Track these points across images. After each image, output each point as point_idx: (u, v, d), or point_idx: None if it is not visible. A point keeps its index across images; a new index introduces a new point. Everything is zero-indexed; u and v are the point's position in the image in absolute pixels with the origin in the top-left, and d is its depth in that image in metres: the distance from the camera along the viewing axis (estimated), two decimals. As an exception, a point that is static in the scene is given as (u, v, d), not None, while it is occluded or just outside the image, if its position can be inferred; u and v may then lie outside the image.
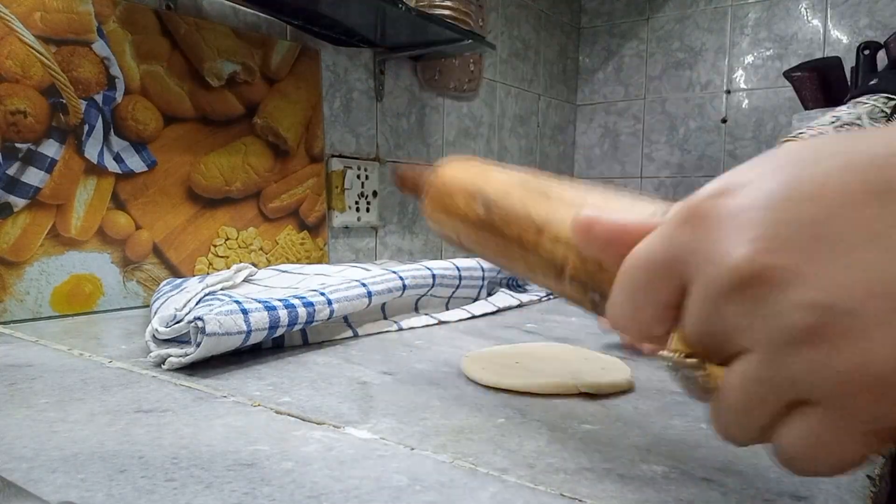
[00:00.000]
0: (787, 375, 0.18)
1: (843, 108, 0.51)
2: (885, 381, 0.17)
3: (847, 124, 0.48)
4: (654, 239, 0.22)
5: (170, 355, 0.45)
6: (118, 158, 0.72)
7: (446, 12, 1.00)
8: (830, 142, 0.20)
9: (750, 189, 0.20)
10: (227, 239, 0.83)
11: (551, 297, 0.87)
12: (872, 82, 0.54)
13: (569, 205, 0.30)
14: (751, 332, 0.19)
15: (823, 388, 0.18)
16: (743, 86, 1.52)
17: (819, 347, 0.17)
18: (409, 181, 0.41)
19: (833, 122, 0.50)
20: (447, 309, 0.71)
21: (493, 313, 0.73)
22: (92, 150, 0.70)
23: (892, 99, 0.51)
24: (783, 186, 0.19)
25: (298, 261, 0.93)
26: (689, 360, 0.21)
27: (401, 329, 0.62)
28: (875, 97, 0.51)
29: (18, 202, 0.64)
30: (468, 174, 0.37)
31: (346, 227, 1.05)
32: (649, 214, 0.24)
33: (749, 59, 1.51)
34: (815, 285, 0.18)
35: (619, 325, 0.24)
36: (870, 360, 0.17)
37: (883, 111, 0.50)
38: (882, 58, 1.09)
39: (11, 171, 0.64)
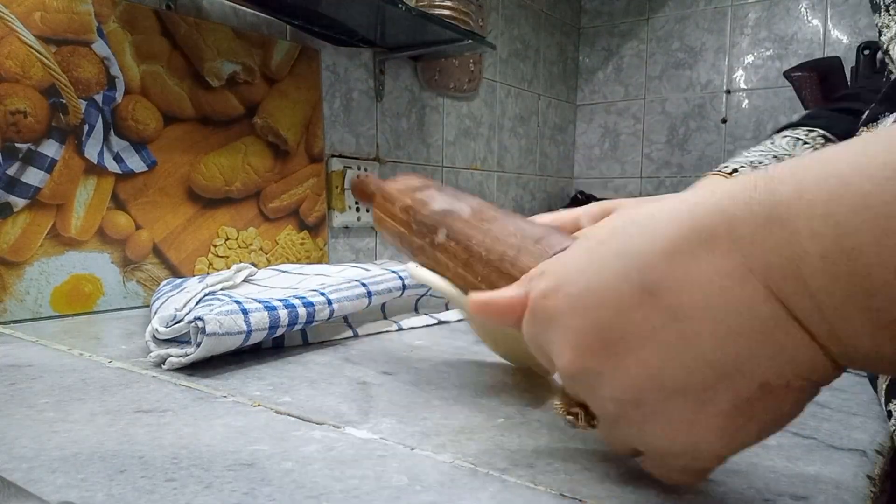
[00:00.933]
0: (619, 439, 0.26)
1: (768, 143, 0.52)
2: (668, 452, 0.24)
3: (761, 162, 0.49)
4: (523, 327, 0.28)
5: (170, 355, 0.45)
6: (118, 158, 0.72)
7: (446, 12, 1.00)
8: (619, 237, 0.24)
9: (562, 293, 0.25)
10: (227, 239, 0.83)
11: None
12: (805, 114, 0.56)
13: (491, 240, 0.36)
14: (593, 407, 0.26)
15: (641, 448, 0.25)
16: (743, 86, 1.52)
17: (628, 426, 0.24)
18: (359, 189, 0.47)
19: (761, 154, 0.50)
20: (447, 309, 0.71)
21: (493, 313, 0.73)
22: (92, 150, 0.70)
23: (814, 130, 0.52)
24: (583, 293, 0.24)
25: (298, 261, 0.93)
26: (567, 416, 0.28)
27: (401, 329, 0.62)
28: (797, 130, 0.53)
29: (18, 202, 0.64)
30: (408, 188, 0.43)
31: (346, 227, 1.05)
32: (526, 281, 0.29)
33: (749, 59, 1.51)
34: (611, 384, 0.23)
35: None
36: (655, 438, 0.24)
37: (805, 142, 0.51)
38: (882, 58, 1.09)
39: (11, 171, 0.64)
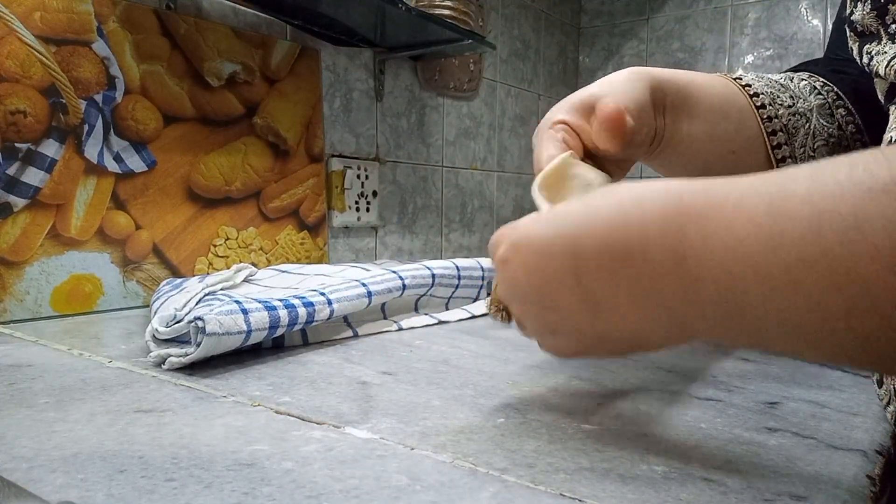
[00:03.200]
0: (530, 335, 0.35)
1: (789, 81, 0.52)
2: (562, 352, 0.34)
3: (775, 95, 0.50)
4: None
5: (170, 355, 0.45)
6: (118, 158, 0.72)
7: (446, 12, 1.00)
8: (571, 220, 0.29)
9: (518, 263, 0.31)
10: (227, 239, 0.83)
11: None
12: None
13: None
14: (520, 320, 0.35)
15: (543, 345, 0.34)
16: (743, 86, 1.51)
17: (540, 336, 0.34)
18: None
19: (780, 88, 0.51)
20: (447, 309, 0.71)
21: (493, 313, 0.73)
22: (92, 150, 0.70)
23: (828, 85, 0.52)
24: (531, 258, 0.30)
25: (298, 261, 0.93)
26: (496, 314, 0.38)
27: (401, 329, 0.62)
28: (815, 77, 0.53)
29: (18, 202, 0.64)
30: None
31: (346, 227, 1.05)
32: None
33: (749, 59, 1.51)
34: (539, 319, 0.33)
35: None
36: (558, 347, 0.34)
37: (820, 93, 0.51)
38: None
39: (11, 171, 0.64)
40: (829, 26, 1.41)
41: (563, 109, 0.43)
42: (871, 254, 0.21)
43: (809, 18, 1.43)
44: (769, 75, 0.52)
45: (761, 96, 0.49)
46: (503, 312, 0.37)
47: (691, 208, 0.26)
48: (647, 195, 0.27)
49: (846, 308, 0.22)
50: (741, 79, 0.50)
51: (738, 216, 0.24)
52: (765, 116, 0.48)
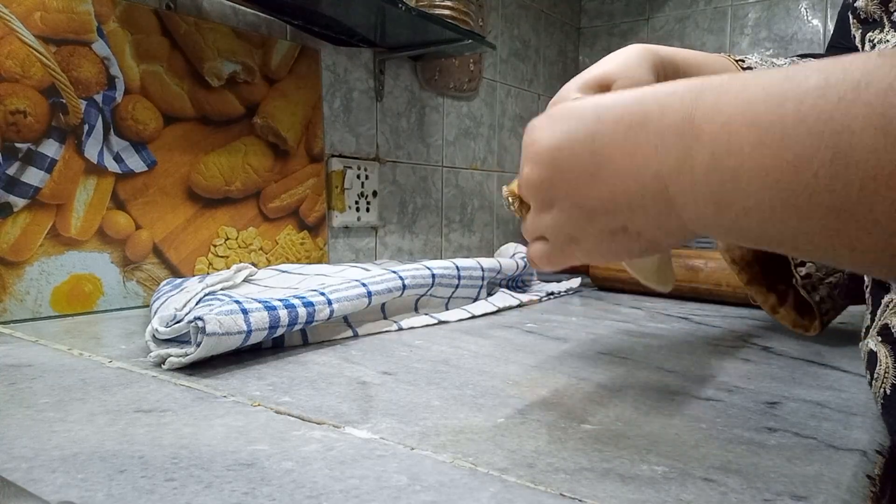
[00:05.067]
0: (536, 224, 0.36)
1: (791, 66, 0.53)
2: (556, 236, 0.35)
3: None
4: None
5: (170, 355, 0.45)
6: (118, 158, 0.72)
7: (446, 12, 1.00)
8: (593, 103, 0.32)
9: (545, 127, 0.34)
10: (227, 239, 0.83)
11: (551, 297, 0.87)
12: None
13: None
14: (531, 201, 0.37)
15: (546, 233, 0.36)
16: (743, 86, 1.51)
17: (544, 216, 0.35)
18: None
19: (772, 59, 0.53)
20: (447, 309, 0.71)
21: (492, 313, 0.73)
22: (92, 150, 0.70)
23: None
24: (550, 133, 0.33)
25: (298, 261, 0.93)
26: (512, 203, 0.40)
27: (401, 329, 0.62)
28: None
29: (18, 202, 0.64)
30: None
31: (346, 227, 1.05)
32: None
33: (749, 59, 1.51)
34: (532, 202, 0.36)
35: None
36: (554, 229, 0.35)
37: None
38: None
39: (11, 171, 0.64)
40: (830, 26, 1.41)
41: (576, 86, 0.44)
42: (863, 113, 0.22)
43: (809, 18, 1.43)
44: (773, 59, 0.52)
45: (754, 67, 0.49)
46: (516, 202, 0.39)
47: (716, 79, 0.28)
48: (683, 80, 0.30)
49: (830, 166, 0.22)
50: (744, 60, 0.50)
51: (755, 81, 0.26)
52: None
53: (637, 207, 0.30)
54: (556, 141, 0.33)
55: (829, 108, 0.23)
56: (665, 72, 0.44)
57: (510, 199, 0.39)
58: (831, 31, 1.39)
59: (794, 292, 0.59)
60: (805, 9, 1.43)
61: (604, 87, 0.43)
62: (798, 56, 0.54)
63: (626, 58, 0.44)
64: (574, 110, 0.32)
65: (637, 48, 0.44)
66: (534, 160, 0.34)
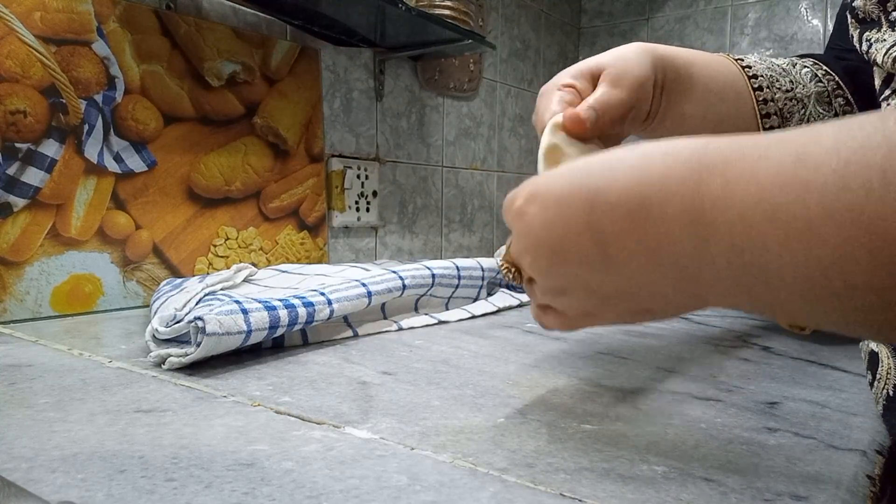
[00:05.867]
0: (538, 297, 0.34)
1: (791, 66, 0.53)
2: (569, 315, 0.33)
3: (775, 78, 0.51)
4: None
5: (170, 355, 0.45)
6: (118, 158, 0.72)
7: (446, 12, 1.00)
8: (589, 174, 0.29)
9: (536, 203, 0.31)
10: (227, 239, 0.83)
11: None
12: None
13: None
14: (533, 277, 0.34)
15: (554, 304, 0.34)
16: (743, 86, 1.51)
17: (550, 297, 0.33)
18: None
19: (781, 72, 0.52)
20: (447, 309, 0.71)
21: (493, 313, 0.73)
22: (92, 150, 0.70)
23: (830, 74, 0.52)
24: (549, 208, 0.30)
25: (298, 261, 0.93)
26: (513, 277, 0.36)
27: (401, 329, 0.62)
28: (819, 65, 0.53)
29: (18, 202, 0.64)
30: None
31: (346, 227, 1.05)
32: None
33: (749, 59, 1.51)
34: (551, 275, 0.32)
35: None
36: (566, 308, 0.33)
37: (820, 80, 0.52)
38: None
39: (11, 171, 0.64)
40: (830, 26, 1.41)
41: (570, 74, 0.45)
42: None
43: (809, 18, 1.43)
44: (773, 59, 0.52)
45: (760, 78, 0.49)
46: (514, 271, 0.37)
47: (717, 157, 0.25)
48: (672, 148, 0.27)
49: (869, 263, 0.21)
50: (743, 59, 0.51)
51: (764, 165, 0.23)
52: (760, 98, 0.49)
53: (658, 294, 0.28)
54: (553, 233, 0.30)
55: (858, 201, 0.21)
56: (665, 71, 0.45)
57: (508, 271, 0.37)
58: (831, 31, 1.39)
59: None
60: (805, 9, 1.43)
61: (595, 75, 0.44)
62: (798, 56, 0.55)
63: (623, 51, 0.44)
64: (567, 198, 0.29)
65: (635, 45, 0.44)
66: (534, 252, 0.32)
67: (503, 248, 0.38)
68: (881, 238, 0.20)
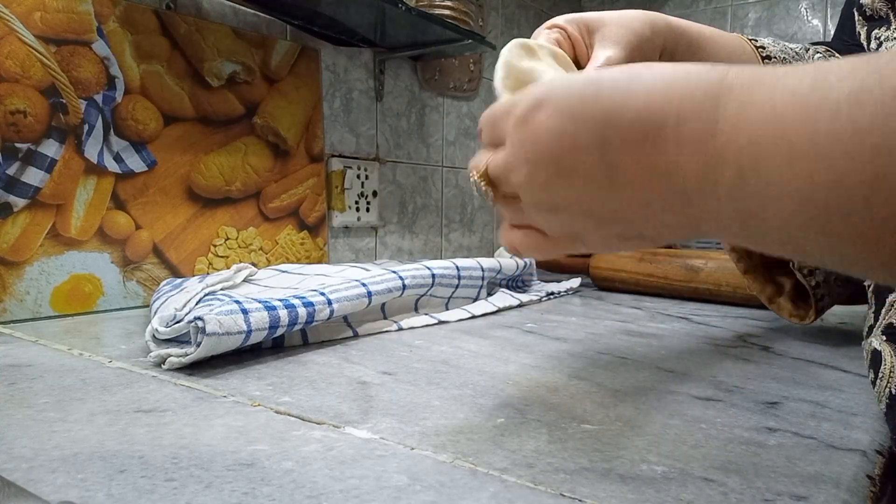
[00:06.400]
0: (524, 217, 0.33)
1: (804, 51, 0.53)
2: (561, 236, 0.32)
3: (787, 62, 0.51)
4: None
5: (170, 355, 0.45)
6: (118, 158, 0.72)
7: (446, 12, 1.00)
8: (603, 88, 0.28)
9: (542, 111, 0.29)
10: (227, 239, 0.83)
11: (551, 297, 0.87)
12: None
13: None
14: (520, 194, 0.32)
15: (540, 225, 0.32)
16: (743, 86, 1.51)
17: (538, 216, 0.32)
18: None
19: (795, 55, 0.52)
20: (447, 309, 0.71)
21: (492, 313, 0.73)
22: (92, 150, 0.70)
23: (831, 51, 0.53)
24: (559, 119, 0.28)
25: (298, 261, 0.93)
26: (488, 191, 0.33)
27: (401, 329, 0.62)
28: (832, 52, 0.54)
29: (18, 202, 0.64)
30: None
31: (346, 227, 1.05)
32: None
33: (749, 59, 1.51)
34: (548, 194, 0.30)
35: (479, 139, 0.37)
36: (556, 228, 0.31)
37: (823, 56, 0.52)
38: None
39: (11, 171, 0.64)
40: (830, 26, 1.41)
41: (562, 18, 0.44)
42: None
43: (809, 18, 1.43)
44: (787, 43, 0.52)
45: (773, 60, 0.49)
46: (490, 185, 0.33)
47: (736, 81, 0.25)
48: (694, 69, 0.26)
49: (871, 184, 0.20)
50: (757, 40, 0.50)
51: (780, 88, 0.23)
52: None
53: (655, 219, 0.28)
54: (561, 144, 0.28)
55: (865, 123, 0.20)
56: (676, 40, 0.43)
57: (481, 183, 0.34)
58: (831, 31, 1.39)
59: (791, 283, 0.60)
60: (805, 9, 1.43)
61: (592, 27, 0.42)
62: (811, 44, 0.55)
63: (626, 12, 0.43)
64: (580, 109, 0.28)
65: (644, 11, 0.43)
66: (535, 161, 0.30)
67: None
68: (885, 156, 0.20)
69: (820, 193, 0.22)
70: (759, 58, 0.48)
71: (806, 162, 0.22)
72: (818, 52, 0.52)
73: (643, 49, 0.42)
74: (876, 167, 0.20)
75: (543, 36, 0.42)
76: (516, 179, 0.31)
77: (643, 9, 0.44)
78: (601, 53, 0.41)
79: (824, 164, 0.21)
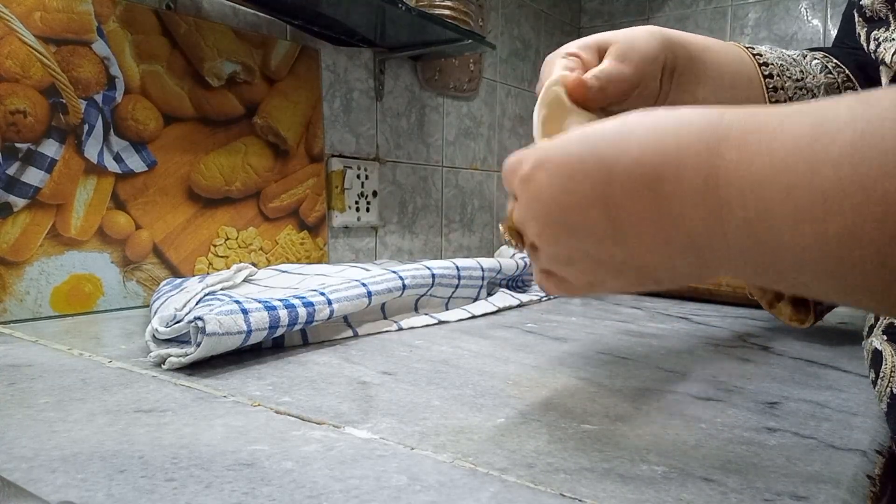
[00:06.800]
0: (544, 264, 0.33)
1: (801, 57, 0.53)
2: (573, 285, 0.33)
3: (786, 69, 0.51)
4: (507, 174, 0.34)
5: (170, 355, 0.45)
6: (118, 158, 0.72)
7: (446, 12, 1.00)
8: (602, 140, 0.28)
9: (543, 169, 0.30)
10: (227, 239, 0.83)
11: (551, 297, 0.87)
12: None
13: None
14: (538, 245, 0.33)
15: (557, 272, 0.33)
16: (743, 86, 1.51)
17: (556, 265, 0.33)
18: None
19: (792, 62, 0.52)
20: (447, 309, 0.71)
21: (492, 313, 0.73)
22: (92, 150, 0.70)
23: (841, 67, 0.53)
24: (559, 175, 0.29)
25: (298, 261, 0.93)
26: (515, 242, 0.35)
27: (401, 329, 0.62)
28: (829, 57, 0.54)
29: (18, 202, 0.64)
30: None
31: (346, 227, 1.05)
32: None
33: (749, 59, 1.50)
34: (560, 246, 0.31)
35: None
36: (574, 277, 0.32)
37: (830, 72, 0.52)
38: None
39: (11, 171, 0.64)
40: (830, 26, 1.41)
41: (576, 44, 0.45)
42: None
43: (809, 18, 1.43)
44: (784, 50, 0.52)
45: (770, 66, 0.49)
46: (517, 237, 0.35)
47: (732, 128, 0.25)
48: (687, 116, 0.26)
49: (880, 238, 0.20)
50: (754, 48, 0.51)
51: (780, 137, 0.23)
52: (770, 86, 0.49)
53: (668, 265, 0.28)
54: (562, 202, 0.29)
55: (872, 174, 0.20)
56: (676, 54, 0.44)
57: (509, 237, 0.35)
58: (831, 31, 1.39)
59: None
60: (805, 9, 1.43)
61: (602, 49, 0.44)
62: (808, 50, 0.55)
63: (633, 30, 0.44)
64: (577, 167, 0.29)
65: (646, 27, 0.44)
66: (543, 221, 0.31)
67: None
68: (894, 212, 0.20)
69: (831, 248, 0.22)
70: (757, 65, 0.49)
71: (814, 213, 0.22)
72: (815, 59, 0.52)
73: (652, 67, 0.43)
74: (885, 216, 0.20)
75: (559, 66, 0.43)
76: (530, 233, 0.32)
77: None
78: (605, 62, 0.42)
79: (832, 214, 0.21)
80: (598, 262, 0.30)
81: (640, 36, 0.43)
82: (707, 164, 0.25)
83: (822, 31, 1.41)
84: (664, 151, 0.26)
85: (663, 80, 0.44)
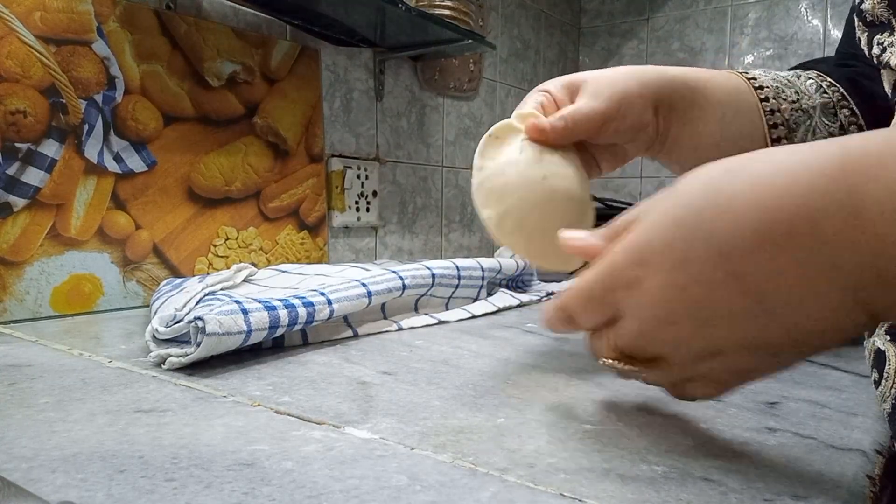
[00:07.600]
0: (684, 374, 0.30)
1: (795, 78, 0.53)
2: (726, 385, 0.30)
3: (782, 91, 0.51)
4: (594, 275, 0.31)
5: (170, 355, 0.45)
6: (118, 158, 0.72)
7: (446, 12, 1.00)
8: (703, 219, 0.26)
9: (652, 268, 0.27)
10: (227, 239, 0.83)
11: (551, 297, 0.87)
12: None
13: None
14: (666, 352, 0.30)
15: (703, 377, 0.30)
16: (743, 86, 1.51)
17: (701, 364, 0.29)
18: None
19: (787, 84, 0.52)
20: (447, 309, 0.71)
21: (493, 313, 0.73)
22: (92, 150, 0.70)
23: (835, 85, 0.53)
24: (673, 272, 0.26)
25: (298, 261, 0.93)
26: (628, 367, 0.31)
27: (401, 329, 0.62)
28: (823, 77, 0.54)
29: (18, 202, 0.64)
30: None
31: (346, 227, 1.05)
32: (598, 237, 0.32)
33: (749, 59, 1.51)
34: (696, 343, 0.28)
35: (557, 328, 0.34)
36: (725, 375, 0.29)
37: (825, 91, 0.52)
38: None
39: (11, 171, 0.64)
40: (830, 26, 1.41)
41: (551, 82, 0.47)
42: None
43: (809, 18, 1.43)
44: (777, 72, 0.53)
45: (765, 90, 0.50)
46: (627, 360, 0.31)
47: (862, 162, 0.23)
48: (795, 162, 0.24)
49: None
50: (748, 72, 0.51)
51: None
52: (767, 109, 0.49)
53: (831, 330, 0.25)
54: (689, 295, 0.26)
55: None
56: (672, 91, 0.45)
57: (617, 364, 0.31)
58: (831, 31, 1.39)
59: None
60: (805, 9, 1.43)
61: (574, 86, 0.45)
62: (802, 67, 0.55)
63: (608, 70, 0.46)
64: (683, 258, 0.26)
65: (630, 67, 0.46)
66: (673, 319, 0.27)
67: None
68: None
69: None
70: (752, 89, 0.50)
71: None
72: (810, 78, 0.53)
73: (629, 101, 0.44)
74: None
75: (531, 102, 0.45)
76: (662, 340, 0.29)
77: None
78: (578, 101, 0.44)
79: None
80: (750, 345, 0.27)
81: (615, 75, 0.45)
82: (846, 205, 0.23)
83: (822, 31, 1.41)
84: (782, 204, 0.24)
85: (659, 116, 0.46)
